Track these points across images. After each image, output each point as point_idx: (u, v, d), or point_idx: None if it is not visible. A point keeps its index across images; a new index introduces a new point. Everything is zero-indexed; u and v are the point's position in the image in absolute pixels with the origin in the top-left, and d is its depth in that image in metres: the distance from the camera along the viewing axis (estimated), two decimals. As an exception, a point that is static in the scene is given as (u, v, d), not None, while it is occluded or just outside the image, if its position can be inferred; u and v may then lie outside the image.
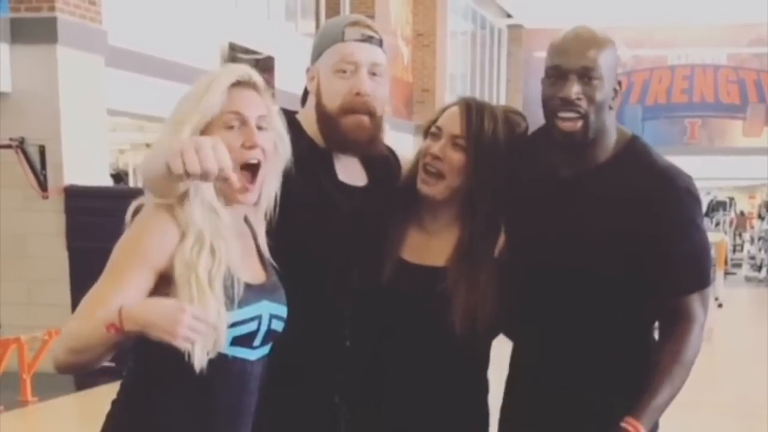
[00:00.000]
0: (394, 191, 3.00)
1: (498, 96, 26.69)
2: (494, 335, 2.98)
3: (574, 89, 2.74)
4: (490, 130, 2.91)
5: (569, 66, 2.75)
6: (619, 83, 2.83)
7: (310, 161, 2.63)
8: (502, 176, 2.93)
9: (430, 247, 2.97)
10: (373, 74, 2.89)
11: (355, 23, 2.93)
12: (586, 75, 2.74)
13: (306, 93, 2.99)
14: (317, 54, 2.93)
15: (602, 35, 2.80)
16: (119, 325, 2.16)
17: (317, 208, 2.82)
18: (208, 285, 2.33)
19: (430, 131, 2.98)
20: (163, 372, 2.37)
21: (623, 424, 2.70)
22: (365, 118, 2.87)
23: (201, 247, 2.35)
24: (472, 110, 2.93)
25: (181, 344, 2.13)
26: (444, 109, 3.01)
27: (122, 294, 2.28)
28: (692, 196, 2.81)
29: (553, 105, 2.77)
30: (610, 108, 2.81)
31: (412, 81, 21.62)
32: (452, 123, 2.93)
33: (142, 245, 2.35)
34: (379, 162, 3.01)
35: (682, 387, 2.79)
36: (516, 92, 27.22)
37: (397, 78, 20.21)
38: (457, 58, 24.13)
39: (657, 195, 2.75)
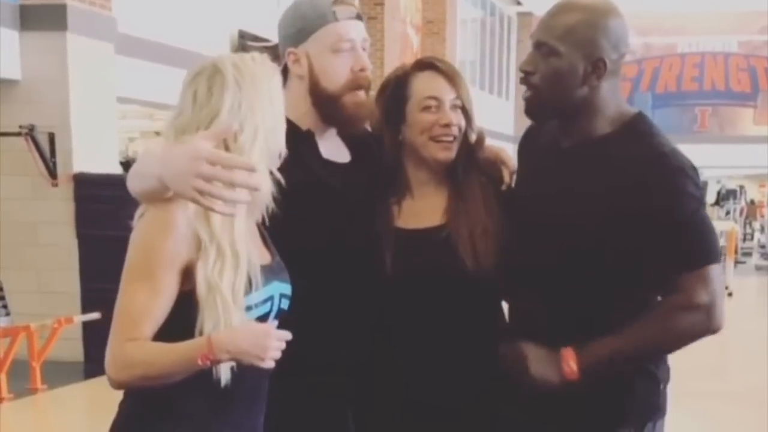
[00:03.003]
0: (378, 166, 3.03)
1: (508, 83, 26.64)
2: (500, 276, 2.93)
3: (525, 62, 2.80)
4: (466, 83, 3.03)
5: (531, 38, 2.81)
6: (602, 60, 2.71)
7: (293, 144, 2.61)
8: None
9: (424, 212, 3.00)
10: (363, 50, 2.96)
11: (340, 2, 2.94)
12: (539, 49, 2.76)
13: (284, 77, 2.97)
14: (302, 36, 2.94)
15: (587, 6, 2.74)
16: (213, 356, 2.25)
17: (307, 188, 2.79)
18: (233, 302, 2.34)
19: (424, 105, 2.96)
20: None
21: (558, 354, 2.67)
22: (363, 94, 2.94)
23: (223, 261, 2.34)
24: (449, 70, 3.02)
25: (267, 365, 2.31)
26: (401, 79, 3.04)
27: (162, 303, 2.32)
28: (688, 176, 2.70)
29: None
30: (587, 84, 2.73)
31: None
32: (444, 89, 2.98)
33: (167, 247, 2.32)
34: (360, 138, 3.05)
35: (647, 353, 2.70)
36: (526, 80, 27.16)
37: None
38: (467, 46, 24.09)
39: (650, 171, 2.66)
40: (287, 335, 2.33)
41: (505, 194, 3.00)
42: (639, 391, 2.78)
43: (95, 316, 8.82)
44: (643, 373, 2.81)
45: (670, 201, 2.66)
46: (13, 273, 9.75)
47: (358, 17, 2.96)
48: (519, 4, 27.37)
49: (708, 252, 2.71)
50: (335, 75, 2.90)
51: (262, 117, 2.42)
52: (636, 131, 2.78)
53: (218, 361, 2.28)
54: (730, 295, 16.51)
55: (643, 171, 2.66)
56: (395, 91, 3.03)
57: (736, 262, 19.60)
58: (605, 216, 2.68)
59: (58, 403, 8.64)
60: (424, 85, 2.99)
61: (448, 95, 2.96)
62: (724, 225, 20.38)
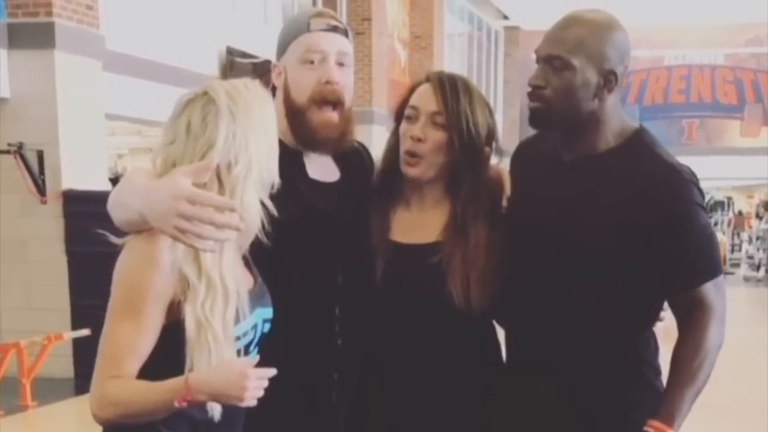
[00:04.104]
0: (370, 181, 3.01)
1: (496, 97, 26.68)
2: (490, 310, 2.92)
3: (535, 76, 2.75)
4: (467, 102, 2.89)
5: (538, 52, 2.77)
6: (613, 72, 2.74)
7: (280, 161, 2.59)
8: (482, 147, 2.92)
9: (420, 226, 2.94)
10: (341, 64, 2.87)
11: (319, 14, 2.91)
12: (551, 62, 2.73)
13: (272, 92, 2.94)
14: (283, 49, 2.91)
15: (593, 20, 2.75)
16: (191, 397, 2.24)
17: (292, 209, 2.72)
18: (224, 337, 2.34)
19: (405, 114, 2.94)
20: (168, 378, 2.36)
21: (646, 428, 2.65)
22: (334, 115, 2.85)
23: (214, 296, 2.33)
24: (446, 84, 2.91)
25: (249, 404, 2.28)
26: (413, 89, 2.99)
27: (146, 339, 2.30)
28: (697, 187, 2.75)
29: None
30: (598, 97, 2.74)
31: (410, 83, 21.55)
32: (428, 100, 2.91)
33: (153, 283, 2.29)
34: (351, 155, 3.00)
35: (706, 381, 2.72)
36: (513, 94, 27.21)
37: (395, 80, 20.19)
38: (454, 60, 24.12)
39: (663, 182, 2.68)
40: (269, 372, 2.29)
41: (503, 214, 2.96)
42: (642, 403, 2.79)
43: (85, 332, 8.79)
44: (645, 385, 2.83)
45: (684, 211, 2.70)
46: (2, 290, 9.73)
47: (335, 30, 2.88)
48: (506, 18, 27.44)
49: (719, 260, 2.82)
50: (301, 86, 2.84)
51: (257, 147, 2.39)
52: (641, 144, 2.79)
53: (196, 403, 2.26)
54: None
55: (653, 182, 2.68)
56: (403, 100, 3.00)
57: (725, 273, 19.61)
58: (611, 227, 2.69)
59: (48, 419, 8.62)
60: (415, 94, 2.96)
61: (428, 107, 2.90)
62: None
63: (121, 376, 2.30)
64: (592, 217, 2.73)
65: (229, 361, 2.33)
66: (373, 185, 3.02)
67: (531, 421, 2.87)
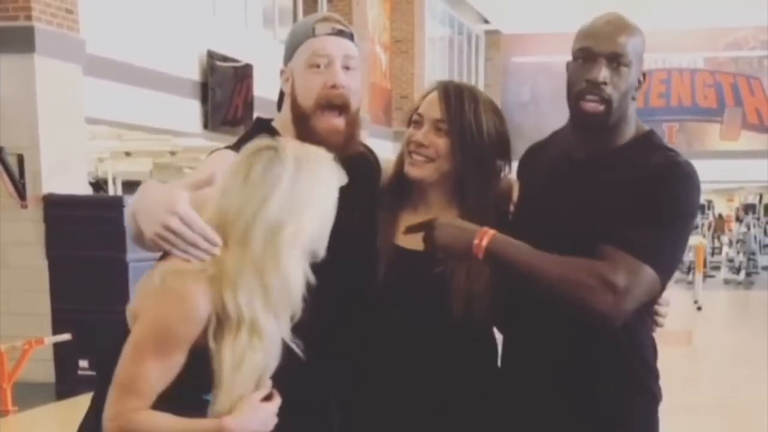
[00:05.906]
0: (377, 186, 3.01)
1: (476, 101, 26.73)
2: (491, 320, 2.93)
3: (603, 73, 2.73)
4: (471, 111, 2.90)
5: (599, 49, 2.74)
6: (644, 75, 2.81)
7: None
8: (489, 156, 2.93)
9: None
10: (347, 68, 2.87)
11: (325, 19, 2.91)
12: (615, 60, 2.74)
13: (281, 98, 2.98)
14: (290, 54, 2.92)
15: (633, 23, 2.79)
16: None
17: None
18: (254, 381, 2.39)
19: (412, 119, 2.96)
20: (182, 394, 2.38)
21: (474, 227, 2.67)
22: (340, 120, 2.85)
23: (255, 339, 2.35)
24: (450, 92, 2.92)
25: None
26: (424, 96, 2.99)
27: (170, 377, 2.31)
28: (695, 185, 2.77)
29: (579, 87, 2.75)
30: (633, 98, 2.79)
31: (391, 88, 21.63)
32: (432, 108, 2.92)
33: (183, 330, 2.29)
34: (358, 160, 2.97)
35: (541, 283, 2.64)
36: (494, 97, 27.11)
37: (376, 85, 20.22)
38: (435, 64, 24.16)
39: (666, 171, 2.71)
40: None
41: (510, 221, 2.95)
42: (641, 409, 2.81)
43: (66, 337, 8.79)
44: (644, 390, 2.84)
45: (673, 197, 2.70)
46: (-18, 295, 9.70)
47: (341, 34, 2.89)
48: (486, 22, 27.51)
49: (660, 258, 2.68)
50: (307, 91, 2.85)
51: (310, 218, 2.39)
52: (652, 144, 2.83)
53: None
54: (699, 309, 16.59)
55: (660, 172, 2.70)
56: (415, 107, 3.00)
57: (705, 276, 19.68)
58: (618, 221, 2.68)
59: (29, 424, 8.56)
60: (423, 102, 2.97)
61: (432, 114, 2.91)
62: (692, 239, 20.48)
63: (142, 409, 2.30)
64: (600, 212, 2.71)
65: (256, 402, 2.39)
66: (383, 188, 3.03)
67: (529, 423, 2.88)
